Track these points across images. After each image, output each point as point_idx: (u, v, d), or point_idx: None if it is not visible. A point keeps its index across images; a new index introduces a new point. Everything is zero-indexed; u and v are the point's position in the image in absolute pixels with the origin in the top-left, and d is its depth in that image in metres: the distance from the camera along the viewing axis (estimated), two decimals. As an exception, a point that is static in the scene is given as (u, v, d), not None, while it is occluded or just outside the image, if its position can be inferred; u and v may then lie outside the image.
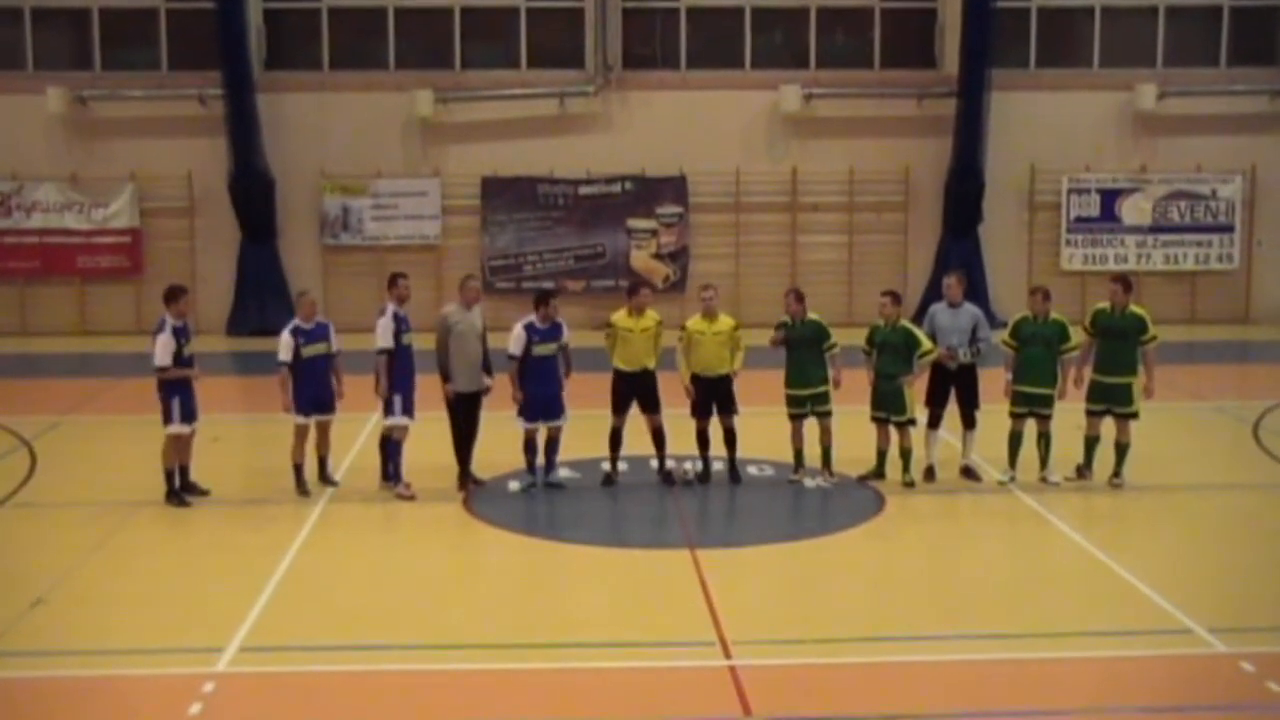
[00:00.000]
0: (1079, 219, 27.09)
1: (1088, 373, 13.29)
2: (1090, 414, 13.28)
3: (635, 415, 13.34)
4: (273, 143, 25.96)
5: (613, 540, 11.89)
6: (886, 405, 13.16)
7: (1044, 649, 8.99)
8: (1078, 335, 13.30)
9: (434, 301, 23.71)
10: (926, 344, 13.13)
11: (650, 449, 13.45)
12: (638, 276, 24.72)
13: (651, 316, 13.39)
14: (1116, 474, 13.23)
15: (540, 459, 13.20)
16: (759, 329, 13.46)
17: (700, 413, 13.30)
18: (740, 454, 13.52)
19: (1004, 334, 13.49)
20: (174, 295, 12.78)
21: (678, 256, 26.74)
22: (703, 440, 13.38)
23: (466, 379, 13.04)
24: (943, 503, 12.99)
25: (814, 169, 26.74)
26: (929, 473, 13.46)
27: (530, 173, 26.49)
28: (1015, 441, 13.32)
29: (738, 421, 13.35)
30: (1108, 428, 13.26)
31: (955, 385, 13.47)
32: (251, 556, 11.10)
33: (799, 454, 13.43)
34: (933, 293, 22.55)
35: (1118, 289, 13.24)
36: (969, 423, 13.56)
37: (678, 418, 13.51)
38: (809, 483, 13.35)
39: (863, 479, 13.43)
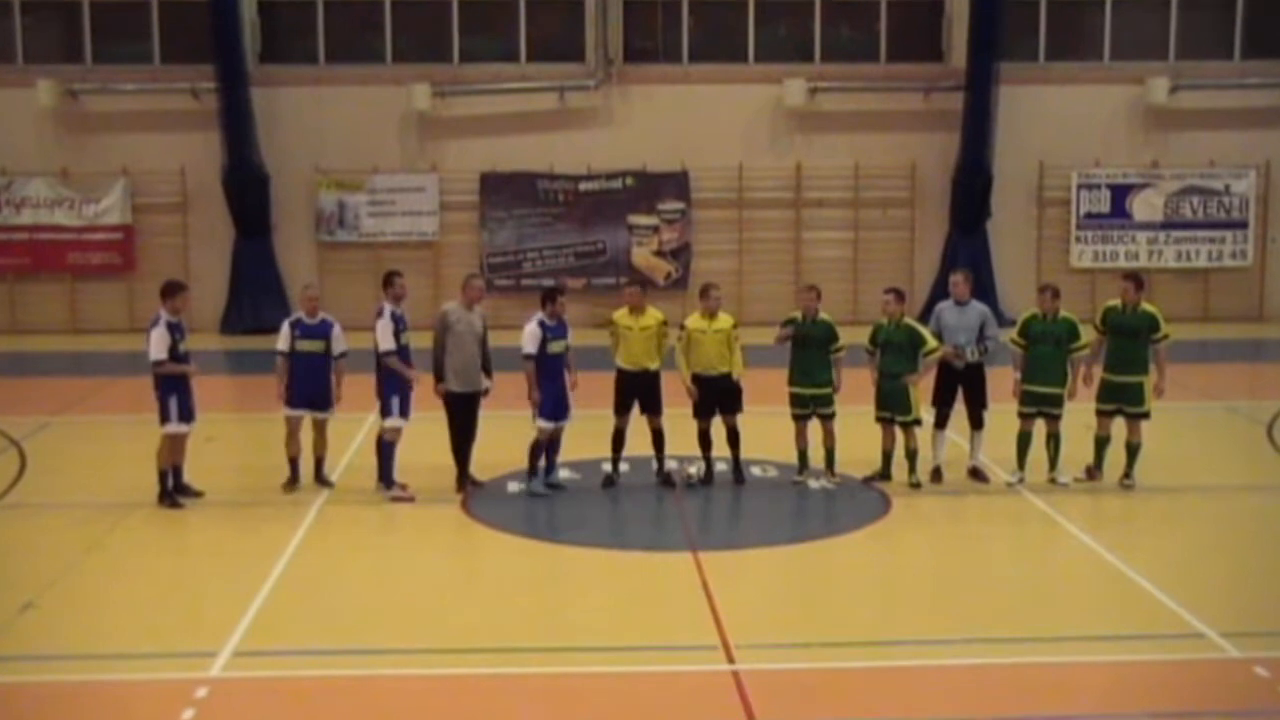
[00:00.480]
0: (1089, 215, 27.09)
1: (1098, 371, 13.29)
2: (1101, 414, 13.28)
3: (637, 415, 13.33)
4: (267, 137, 25.97)
5: (613, 542, 11.89)
6: (891, 405, 13.15)
7: (1053, 653, 8.98)
8: (1088, 334, 13.29)
9: (432, 300, 23.77)
10: (931, 342, 13.13)
11: (652, 450, 13.44)
12: (639, 274, 24.75)
13: (653, 315, 13.38)
14: (1127, 475, 13.23)
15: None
16: (762, 327, 13.47)
17: (702, 413, 13.30)
18: (743, 454, 13.51)
19: (1013, 332, 13.48)
20: (171, 290, 12.77)
21: (680, 253, 26.75)
22: (705, 441, 13.38)
23: (461, 379, 13.03)
24: (950, 504, 12.98)
25: (818, 164, 26.74)
26: (935, 474, 13.46)
27: (530, 168, 26.49)
28: (1024, 442, 13.32)
29: (741, 421, 13.34)
30: (1118, 428, 13.25)
31: (962, 385, 13.46)
32: (246, 559, 11.10)
33: (803, 455, 13.43)
34: (939, 290, 22.54)
35: (1129, 287, 13.23)
36: (976, 423, 13.56)
37: (680, 418, 13.51)
38: (813, 484, 13.35)
39: (868, 480, 13.43)
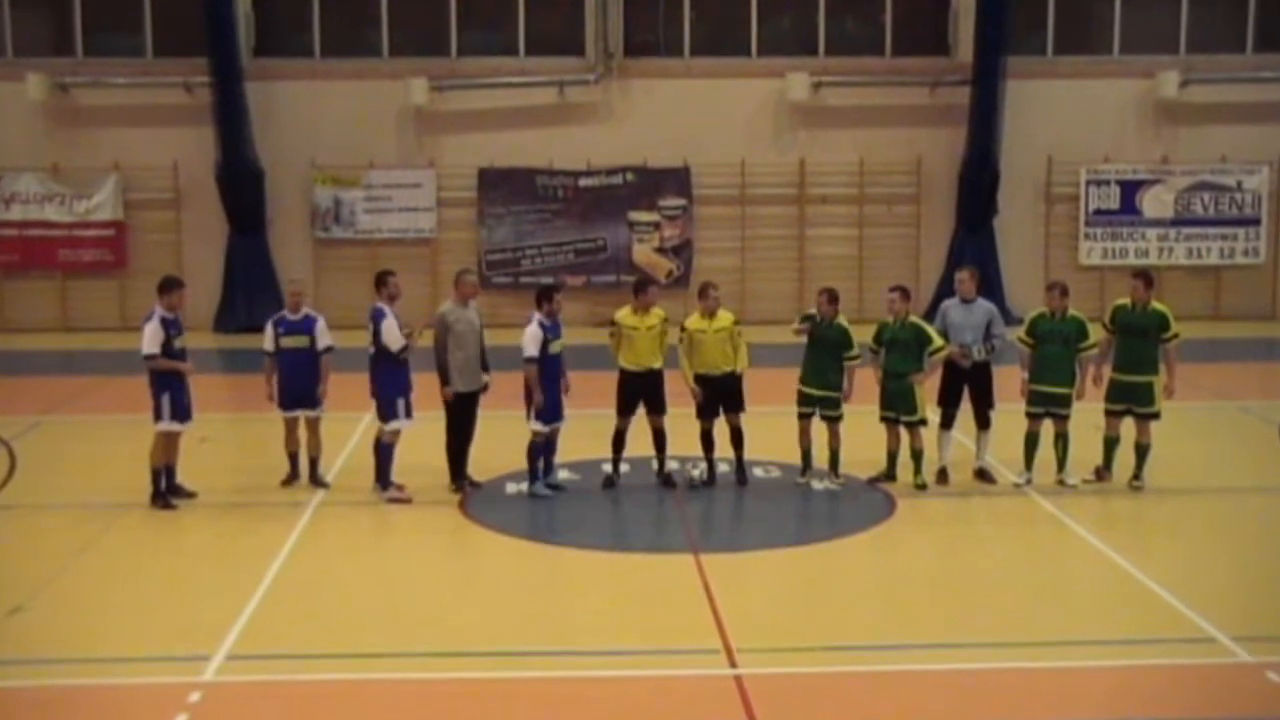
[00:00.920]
0: (1098, 212, 27.09)
1: (1107, 371, 13.29)
2: (1110, 414, 13.28)
3: (638, 415, 13.33)
4: (262, 132, 25.98)
5: (614, 544, 11.90)
6: (896, 405, 13.16)
7: (1061, 657, 8.99)
8: (1096, 332, 13.30)
9: (429, 297, 23.77)
10: (937, 340, 13.13)
11: (653, 450, 13.45)
12: (641, 272, 24.74)
13: (657, 314, 13.39)
14: (1137, 476, 13.23)
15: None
16: (765, 326, 13.49)
17: (705, 413, 13.30)
18: (746, 455, 13.52)
19: (1020, 331, 13.49)
20: (167, 287, 12.79)
21: (681, 250, 26.75)
22: (707, 441, 13.39)
23: (465, 379, 13.04)
24: (956, 506, 12.99)
25: (822, 160, 26.74)
26: (941, 475, 13.46)
27: (528, 164, 26.50)
28: (1031, 442, 13.32)
29: (744, 420, 13.35)
30: (1127, 428, 13.25)
31: (968, 384, 13.47)
32: (240, 561, 11.11)
33: (806, 455, 13.43)
34: (945, 288, 22.56)
35: (1139, 285, 13.22)
36: (983, 423, 13.56)
37: (683, 418, 13.51)
38: (817, 485, 13.36)
39: (872, 481, 13.43)
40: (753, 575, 10.94)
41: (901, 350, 13.11)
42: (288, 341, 13.14)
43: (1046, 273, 25.18)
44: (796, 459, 13.52)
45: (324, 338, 13.27)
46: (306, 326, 13.22)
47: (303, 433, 13.31)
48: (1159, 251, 27.02)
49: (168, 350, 12.54)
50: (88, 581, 10.72)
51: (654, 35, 27.20)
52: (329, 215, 26.58)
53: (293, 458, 13.37)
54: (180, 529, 12.32)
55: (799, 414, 13.34)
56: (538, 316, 12.87)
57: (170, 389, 12.60)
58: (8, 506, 12.94)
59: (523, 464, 13.22)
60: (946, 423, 13.59)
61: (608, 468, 13.54)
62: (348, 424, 15.19)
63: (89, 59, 26.46)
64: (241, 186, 25.95)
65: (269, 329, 13.24)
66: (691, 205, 26.68)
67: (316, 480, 13.36)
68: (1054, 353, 13.10)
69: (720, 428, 13.35)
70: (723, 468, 13.56)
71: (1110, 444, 13.37)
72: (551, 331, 12.90)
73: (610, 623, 9.69)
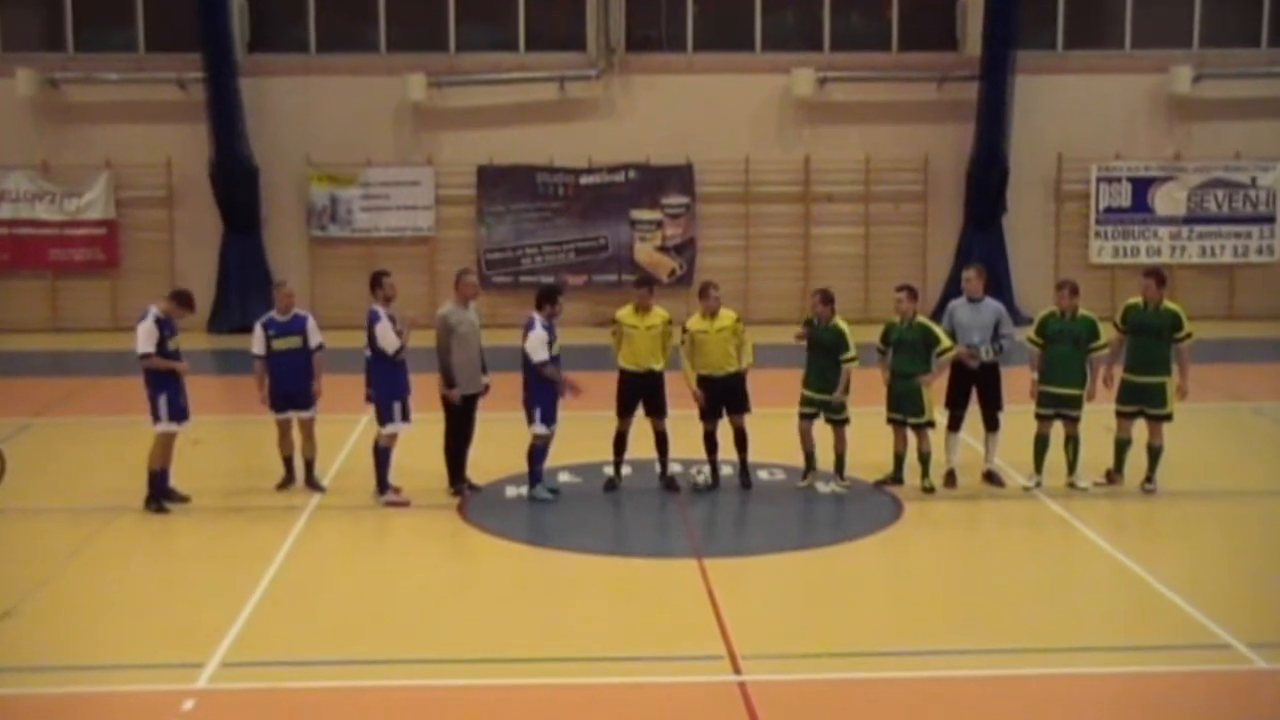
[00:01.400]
0: (1109, 209, 27.08)
1: (1118, 372, 13.28)
2: (1121, 415, 13.27)
3: (640, 417, 13.33)
4: (256, 129, 25.99)
5: (615, 549, 11.89)
6: (903, 406, 13.15)
7: (1072, 664, 8.98)
8: (1107, 332, 13.28)
9: (427, 297, 23.77)
10: (945, 341, 13.12)
11: (654, 452, 13.44)
12: (644, 271, 24.76)
13: (659, 314, 13.38)
14: (1149, 479, 13.22)
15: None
16: (769, 326, 13.48)
17: (708, 415, 13.30)
18: (751, 457, 13.52)
19: (1030, 331, 13.48)
20: (183, 300, 12.82)
21: (684, 249, 26.75)
22: (711, 443, 13.38)
23: (465, 380, 13.03)
24: (964, 509, 12.98)
25: (828, 157, 26.74)
26: (949, 478, 13.46)
27: (528, 161, 26.50)
28: (1041, 445, 13.31)
29: (749, 422, 13.35)
30: (1139, 430, 13.24)
31: (977, 385, 13.46)
32: (234, 566, 11.10)
33: (810, 457, 13.42)
34: (953, 288, 22.50)
35: (1151, 284, 13.21)
36: (991, 425, 13.55)
37: (685, 419, 13.51)
38: (822, 488, 13.35)
39: (879, 484, 13.43)
40: (757, 580, 10.94)
41: (909, 351, 13.10)
42: (279, 344, 13.13)
43: (1056, 272, 25.16)
44: (801, 462, 13.51)
45: (315, 336, 13.28)
46: (297, 326, 13.22)
47: (297, 435, 13.31)
48: (1171, 250, 27.00)
49: (162, 351, 12.55)
50: (78, 587, 10.72)
51: (656, 30, 27.19)
52: (325, 214, 26.58)
53: (287, 461, 13.38)
54: (173, 533, 12.32)
55: (800, 414, 13.32)
56: (539, 319, 12.84)
57: (168, 389, 12.60)
58: (-3, 510, 12.95)
59: (522, 467, 13.22)
60: (954, 425, 13.58)
61: (609, 470, 13.53)
62: (344, 426, 15.19)
63: (80, 54, 26.48)
64: (236, 184, 25.95)
65: (258, 331, 13.24)
66: (694, 203, 26.67)
67: (312, 483, 13.36)
68: (1064, 353, 13.09)
69: (724, 430, 13.34)
70: (726, 470, 13.55)
71: (1122, 446, 13.36)
72: (551, 333, 12.89)
73: (611, 629, 9.69)
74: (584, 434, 13.77)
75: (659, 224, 26.70)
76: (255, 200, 26.28)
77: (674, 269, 26.63)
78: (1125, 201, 27.04)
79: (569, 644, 9.36)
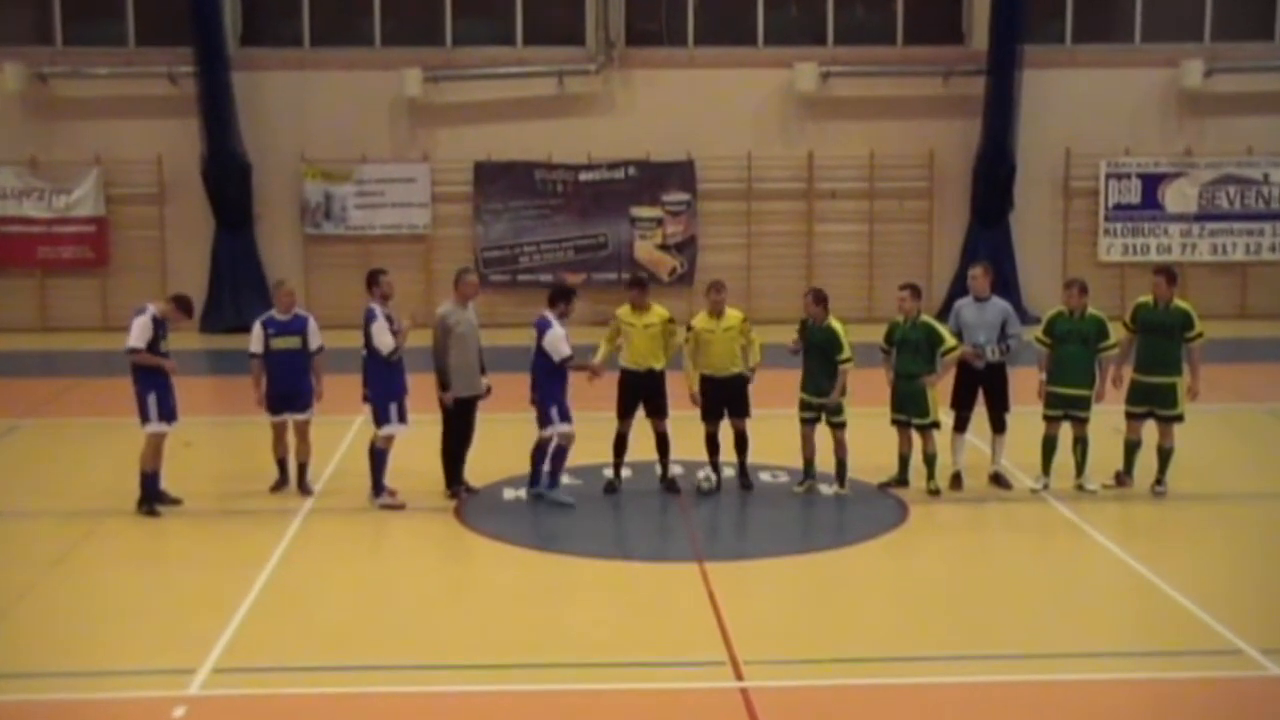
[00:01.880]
0: (1118, 206, 27.08)
1: (1128, 372, 13.28)
2: (1131, 417, 13.27)
3: (641, 419, 13.34)
4: (249, 125, 25.99)
5: (615, 552, 11.89)
6: (907, 407, 13.15)
7: (1080, 670, 8.98)
8: (1117, 332, 13.29)
9: (423, 296, 23.77)
10: (950, 340, 13.12)
11: (655, 454, 13.44)
12: (638, 270, 24.73)
13: (658, 313, 13.37)
14: (1159, 481, 13.22)
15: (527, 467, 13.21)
16: (771, 325, 13.47)
17: (710, 416, 13.30)
18: (753, 460, 13.54)
19: (1037, 330, 13.48)
20: (183, 306, 12.81)
21: (685, 247, 26.75)
22: (712, 445, 13.39)
23: (463, 383, 13.03)
24: (970, 512, 12.98)
25: (831, 153, 26.74)
26: (955, 480, 13.46)
27: (527, 157, 26.51)
28: (1049, 446, 13.32)
29: (750, 425, 13.35)
30: (1149, 432, 13.25)
31: (983, 386, 13.46)
32: (227, 570, 11.11)
33: (809, 463, 13.40)
34: (959, 286, 22.52)
35: (1161, 281, 13.22)
36: (998, 426, 13.55)
37: (687, 420, 13.51)
38: (826, 489, 13.34)
39: (884, 487, 13.43)
40: (759, 584, 10.94)
41: (913, 351, 13.10)
42: (278, 343, 13.14)
43: (1064, 270, 25.15)
44: (802, 465, 13.50)
45: (315, 338, 13.28)
46: (297, 327, 13.22)
47: (291, 438, 13.32)
48: (1182, 247, 26.99)
49: (153, 350, 12.55)
50: (67, 591, 10.72)
51: (657, 24, 27.20)
52: (319, 211, 26.59)
53: (281, 463, 13.40)
54: (164, 536, 12.33)
55: (801, 419, 13.31)
56: (553, 316, 12.82)
57: (156, 389, 12.59)
58: (-15, 513, 12.96)
59: (520, 469, 13.24)
60: (960, 426, 13.58)
61: (609, 473, 13.53)
62: (339, 428, 15.19)
63: (68, 48, 26.48)
64: (228, 181, 25.95)
65: (257, 330, 13.23)
66: (695, 200, 26.68)
67: (303, 487, 13.34)
68: (1072, 353, 13.09)
69: (724, 431, 13.34)
70: (727, 473, 13.55)
71: (1131, 448, 13.36)
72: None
73: (611, 633, 9.69)
74: (584, 435, 13.74)
75: (659, 221, 26.71)
76: (248, 197, 26.27)
77: (675, 267, 26.64)
78: (1135, 198, 27.04)
79: (567, 649, 9.37)
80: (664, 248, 26.75)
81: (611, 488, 13.45)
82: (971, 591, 10.82)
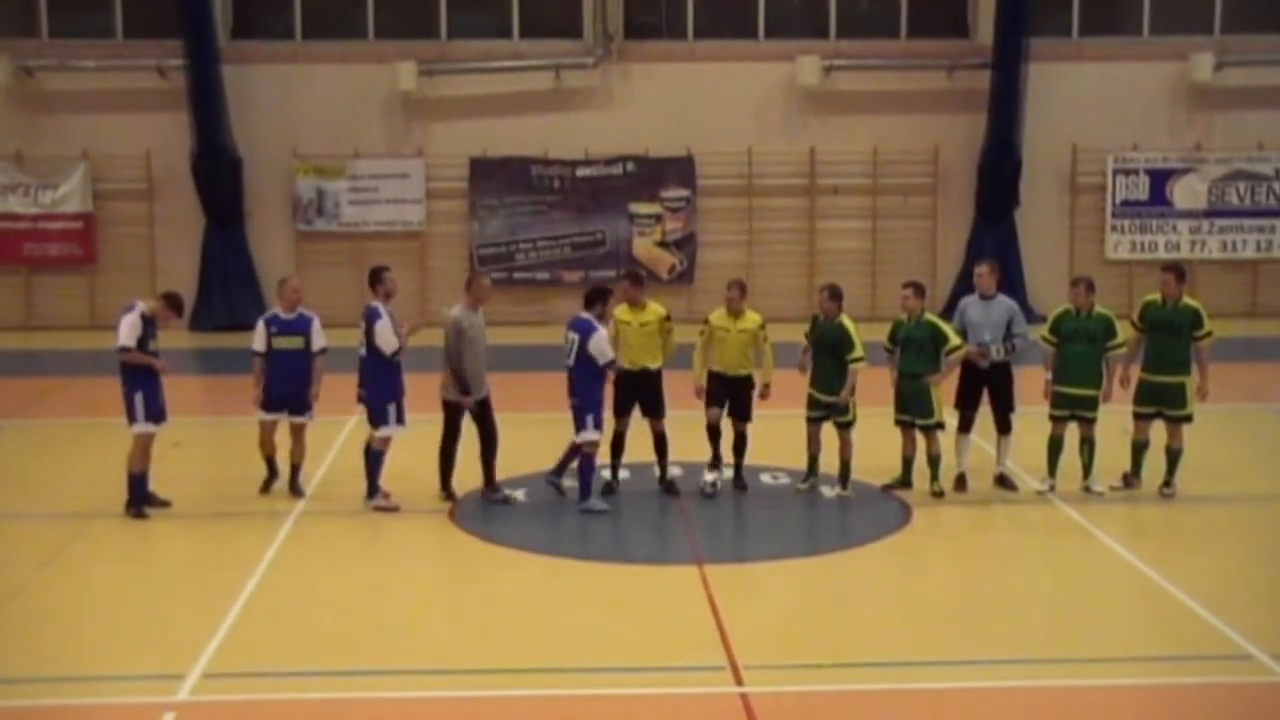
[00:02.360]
0: (1126, 203, 27.10)
1: (1136, 371, 13.28)
2: (1139, 417, 13.27)
3: (639, 419, 13.33)
4: (240, 119, 25.99)
5: (613, 555, 11.89)
6: (911, 407, 13.15)
7: (1087, 675, 8.98)
8: (1124, 331, 13.28)
9: (417, 294, 23.82)
10: (954, 339, 13.11)
11: (653, 455, 13.44)
12: (642, 266, 24.74)
13: (654, 310, 13.36)
14: (1168, 483, 13.22)
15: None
16: (772, 325, 13.45)
17: (715, 402, 13.24)
18: (754, 461, 13.53)
19: (1044, 329, 13.49)
20: (173, 304, 12.80)
21: (684, 244, 26.76)
22: (714, 433, 13.32)
23: (479, 385, 13.01)
24: (975, 514, 12.98)
25: (834, 148, 26.75)
26: (960, 481, 13.46)
27: (523, 153, 26.52)
28: (1055, 447, 13.31)
29: (750, 429, 13.35)
30: (1157, 432, 13.25)
31: (988, 386, 13.45)
32: (216, 574, 11.10)
33: (813, 460, 13.41)
34: (964, 284, 22.55)
35: (1170, 279, 13.20)
36: (1003, 427, 13.54)
37: (685, 420, 13.51)
38: (828, 492, 13.34)
39: (887, 488, 13.43)
40: (760, 587, 10.94)
41: (916, 350, 13.09)
42: (281, 342, 13.03)
43: (1071, 267, 25.19)
44: (805, 465, 13.50)
45: (319, 339, 13.20)
46: (301, 326, 13.14)
47: (285, 438, 13.26)
48: (1191, 244, 27.01)
49: (142, 349, 12.52)
50: (53, 595, 10.71)
51: (656, 16, 27.22)
52: (311, 207, 26.59)
53: (270, 460, 13.31)
54: (152, 539, 12.32)
55: (807, 418, 13.31)
56: (592, 317, 12.78)
57: (144, 388, 12.57)
58: (-31, 516, 12.95)
59: (514, 470, 13.25)
60: (965, 426, 13.57)
61: (606, 474, 13.52)
62: (331, 428, 15.17)
63: (55, 40, 26.48)
64: (218, 176, 25.96)
65: (260, 327, 13.11)
66: (695, 196, 26.68)
67: (296, 489, 13.31)
68: (1079, 352, 13.08)
69: (726, 429, 13.33)
70: (725, 472, 13.54)
71: (1139, 449, 13.36)
72: None
73: (609, 638, 9.69)
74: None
75: (658, 218, 26.71)
76: (238, 193, 26.28)
77: (674, 265, 26.65)
78: (1143, 194, 27.05)
79: (564, 653, 9.36)
80: (663, 245, 26.75)
81: (609, 489, 13.44)
82: (976, 595, 10.81)
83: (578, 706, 8.53)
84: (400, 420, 12.87)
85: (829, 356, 13.10)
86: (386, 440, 12.88)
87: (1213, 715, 8.51)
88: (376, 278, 13.05)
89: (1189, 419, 13.14)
